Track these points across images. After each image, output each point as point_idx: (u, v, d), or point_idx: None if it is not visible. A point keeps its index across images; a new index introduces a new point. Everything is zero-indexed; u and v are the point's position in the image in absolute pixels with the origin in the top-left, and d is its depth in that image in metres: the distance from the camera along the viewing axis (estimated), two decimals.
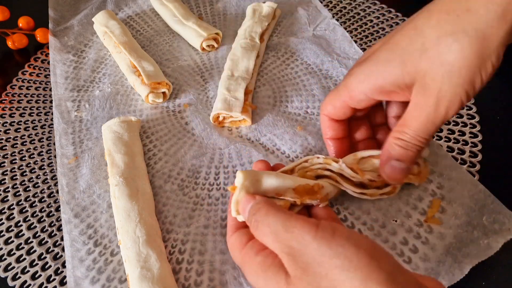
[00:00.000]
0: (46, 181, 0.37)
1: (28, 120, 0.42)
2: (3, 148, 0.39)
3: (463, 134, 0.38)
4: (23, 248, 0.32)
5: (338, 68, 0.44)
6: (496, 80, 0.43)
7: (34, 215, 0.34)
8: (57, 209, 0.35)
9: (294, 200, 0.27)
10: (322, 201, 0.28)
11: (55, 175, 0.37)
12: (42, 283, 0.30)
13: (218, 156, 0.38)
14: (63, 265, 0.31)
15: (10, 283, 0.30)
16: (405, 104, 0.26)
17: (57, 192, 0.36)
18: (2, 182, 0.37)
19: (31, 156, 0.39)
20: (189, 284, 0.30)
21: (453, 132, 0.38)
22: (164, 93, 0.43)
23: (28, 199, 0.35)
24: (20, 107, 0.43)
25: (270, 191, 0.27)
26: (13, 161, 0.38)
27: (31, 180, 0.37)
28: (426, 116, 0.24)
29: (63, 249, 0.32)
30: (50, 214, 0.34)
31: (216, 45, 0.48)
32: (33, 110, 0.43)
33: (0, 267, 0.31)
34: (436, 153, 0.36)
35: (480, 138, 0.37)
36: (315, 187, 0.27)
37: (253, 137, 0.39)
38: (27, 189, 0.36)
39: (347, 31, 0.49)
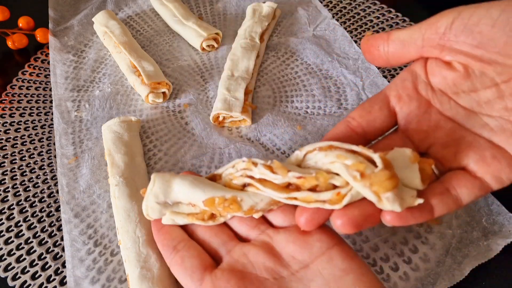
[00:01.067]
0: (46, 181, 0.37)
1: (28, 120, 0.42)
2: (3, 148, 0.39)
3: None
4: (23, 248, 0.32)
5: (338, 68, 0.44)
6: None
7: (34, 215, 0.34)
8: (57, 209, 0.35)
9: (211, 213, 0.24)
10: (247, 214, 0.23)
11: (55, 175, 0.37)
12: (42, 283, 0.30)
13: (218, 156, 0.38)
14: (63, 265, 0.31)
15: (10, 283, 0.30)
16: None
17: (57, 192, 0.36)
18: (2, 182, 0.37)
19: (31, 156, 0.39)
20: None
21: None
22: (164, 93, 0.43)
23: (28, 199, 0.35)
24: (20, 107, 0.43)
25: (182, 199, 0.24)
26: (13, 161, 0.38)
27: (31, 180, 0.37)
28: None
29: (63, 249, 0.32)
30: (50, 214, 0.34)
31: (216, 45, 0.48)
32: (33, 110, 0.43)
33: (0, 267, 0.31)
34: None
35: None
36: (229, 200, 0.22)
37: (253, 137, 0.39)
38: (27, 189, 0.36)
39: (347, 31, 0.49)
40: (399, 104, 0.23)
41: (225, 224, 0.25)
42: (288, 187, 0.22)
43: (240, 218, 0.24)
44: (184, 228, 0.26)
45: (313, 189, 0.21)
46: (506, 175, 0.20)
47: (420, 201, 0.19)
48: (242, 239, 0.24)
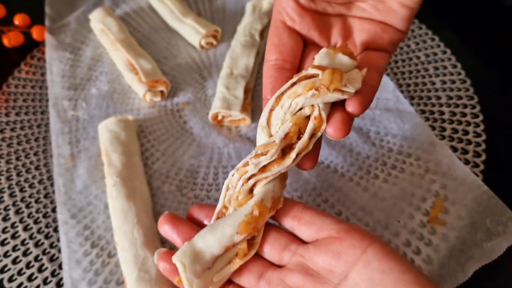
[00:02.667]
0: (42, 182, 0.36)
1: (24, 119, 0.41)
2: None
3: (467, 133, 0.37)
4: (19, 249, 0.32)
5: None
6: (500, 79, 0.42)
7: (30, 216, 0.34)
8: (54, 210, 0.34)
9: (248, 236, 0.22)
10: (272, 210, 0.23)
11: (51, 175, 0.37)
12: (39, 285, 0.30)
13: (217, 156, 0.37)
14: (60, 267, 0.31)
15: (6, 285, 0.30)
16: None
17: (54, 192, 0.35)
18: None
19: (27, 156, 0.38)
20: None
21: (456, 131, 0.37)
22: (162, 91, 0.42)
23: (24, 200, 0.35)
24: (16, 106, 0.43)
25: (217, 250, 0.22)
26: (9, 161, 0.38)
27: (27, 181, 0.36)
28: None
29: (59, 251, 0.31)
30: (47, 215, 0.34)
31: (215, 43, 0.47)
32: (29, 109, 0.42)
33: None
34: (439, 152, 0.35)
35: (483, 137, 0.36)
36: (255, 211, 0.22)
37: (252, 136, 0.38)
38: (23, 189, 0.36)
39: None
40: (295, 23, 0.24)
41: (256, 257, 0.24)
42: (284, 153, 0.22)
43: (270, 243, 0.23)
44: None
45: (298, 136, 0.22)
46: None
47: (365, 69, 0.22)
48: (276, 265, 0.23)
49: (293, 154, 0.21)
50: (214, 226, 0.22)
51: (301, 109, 0.21)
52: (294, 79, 0.22)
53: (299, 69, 0.24)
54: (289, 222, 0.24)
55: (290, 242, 0.23)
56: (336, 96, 0.20)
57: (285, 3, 0.24)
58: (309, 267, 0.22)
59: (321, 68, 0.21)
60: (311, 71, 0.21)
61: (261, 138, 0.23)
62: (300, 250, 0.23)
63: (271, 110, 0.22)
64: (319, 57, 0.22)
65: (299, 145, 0.21)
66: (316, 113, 0.21)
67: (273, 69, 0.24)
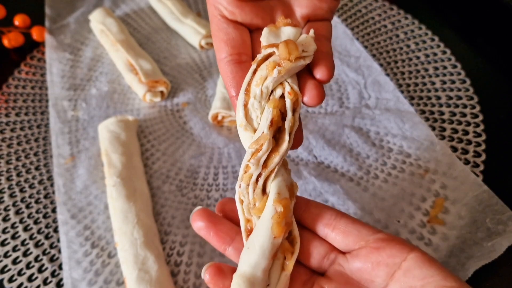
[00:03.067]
0: (42, 182, 0.36)
1: (24, 120, 0.41)
2: None
3: (467, 133, 0.37)
4: (19, 249, 0.32)
5: (340, 66, 0.44)
6: (500, 79, 0.43)
7: (30, 216, 0.34)
8: (54, 210, 0.34)
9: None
10: (293, 198, 0.22)
11: (51, 176, 0.37)
12: (39, 285, 0.30)
13: (217, 156, 0.37)
14: (60, 267, 0.31)
15: (7, 285, 0.30)
16: None
17: (54, 193, 0.35)
18: None
19: (27, 156, 0.38)
20: (188, 286, 0.29)
21: (456, 131, 0.37)
22: (162, 92, 0.42)
23: (24, 200, 0.35)
24: (16, 106, 0.42)
25: (267, 265, 0.21)
26: (9, 162, 0.38)
27: (27, 181, 0.36)
28: None
29: (59, 251, 0.31)
30: (47, 216, 0.34)
31: None
32: (29, 109, 0.42)
33: None
34: (439, 152, 0.35)
35: (483, 137, 0.36)
36: (278, 208, 0.21)
37: None
38: (23, 190, 0.36)
39: (349, 29, 0.48)
40: (236, 15, 0.24)
41: (297, 265, 0.22)
42: (276, 140, 0.22)
43: (309, 252, 0.22)
44: None
45: (282, 118, 0.22)
46: None
47: (312, 30, 0.22)
48: (316, 271, 0.23)
49: (286, 136, 0.21)
50: (249, 244, 0.21)
51: (272, 92, 0.21)
52: (253, 66, 0.21)
53: (253, 57, 0.24)
54: (322, 230, 0.23)
55: (329, 251, 0.22)
56: (300, 64, 0.21)
57: None
58: (349, 277, 0.21)
59: (274, 45, 0.21)
60: (265, 51, 0.21)
61: (247, 136, 0.22)
62: (339, 259, 0.22)
63: (245, 106, 0.22)
64: (265, 37, 0.22)
65: (288, 124, 0.21)
66: (288, 88, 0.21)
67: (230, 65, 0.23)
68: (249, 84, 0.21)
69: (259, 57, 0.21)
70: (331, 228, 0.22)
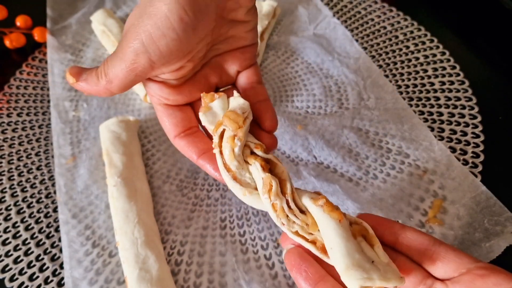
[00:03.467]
0: (43, 182, 0.36)
1: (25, 120, 0.42)
2: (1, 148, 0.39)
3: (465, 134, 0.37)
4: (20, 249, 0.32)
5: (339, 67, 0.44)
6: (499, 80, 0.43)
7: (32, 216, 0.34)
8: (55, 210, 0.34)
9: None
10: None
11: (52, 176, 0.37)
12: (40, 285, 0.30)
13: None
14: (61, 266, 0.31)
15: (8, 285, 0.30)
16: None
17: (55, 192, 0.35)
18: (0, 182, 0.36)
19: (29, 156, 0.38)
20: (188, 285, 0.30)
21: (455, 132, 0.38)
22: None
23: (25, 200, 0.35)
24: (18, 106, 0.43)
25: (356, 246, 0.21)
26: (11, 161, 0.38)
27: (28, 181, 0.36)
28: None
29: (61, 250, 0.32)
30: (48, 215, 0.34)
31: None
32: (30, 110, 0.43)
33: None
34: (438, 153, 0.35)
35: (482, 138, 0.37)
36: (321, 199, 0.21)
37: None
38: (25, 189, 0.36)
39: (348, 30, 0.48)
40: (174, 101, 0.25)
41: None
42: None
43: (406, 275, 0.22)
44: None
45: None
46: None
47: (235, 92, 0.24)
48: None
49: (276, 162, 0.22)
50: (330, 245, 0.20)
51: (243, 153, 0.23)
52: (217, 150, 0.22)
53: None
54: (418, 256, 0.22)
55: (426, 277, 0.22)
56: (248, 124, 0.22)
57: (155, 91, 0.24)
58: None
59: (219, 123, 0.22)
60: (218, 132, 0.22)
61: (255, 196, 0.22)
62: (437, 285, 0.21)
63: (235, 179, 0.22)
64: (206, 122, 0.23)
65: (271, 157, 0.22)
66: (252, 145, 0.22)
67: (183, 139, 0.25)
68: (225, 164, 0.22)
69: (216, 140, 0.22)
70: (429, 254, 0.22)
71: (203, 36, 0.22)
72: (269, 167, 0.22)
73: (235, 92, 0.24)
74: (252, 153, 0.22)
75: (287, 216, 0.21)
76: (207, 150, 0.24)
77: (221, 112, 0.23)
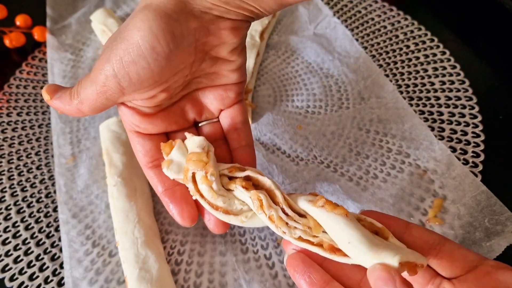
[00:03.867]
0: (43, 181, 0.36)
1: (25, 120, 0.42)
2: (0, 147, 0.39)
3: (466, 133, 0.37)
4: (20, 248, 0.32)
5: (339, 67, 0.44)
6: (499, 80, 0.43)
7: (32, 215, 0.34)
8: (55, 210, 0.34)
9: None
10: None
11: (52, 175, 0.37)
12: (40, 284, 0.30)
13: None
14: (61, 266, 0.31)
15: (8, 284, 0.30)
16: None
17: (55, 192, 0.35)
18: (0, 182, 0.36)
19: (29, 156, 0.38)
20: (188, 285, 0.30)
21: (455, 131, 0.38)
22: None
23: (25, 199, 0.35)
24: (18, 106, 0.43)
25: (369, 232, 0.21)
26: (11, 161, 0.38)
27: (28, 180, 0.36)
28: None
29: (61, 250, 0.32)
30: (48, 215, 0.34)
31: None
32: (30, 109, 0.43)
33: None
34: (438, 152, 0.35)
35: (482, 138, 0.37)
36: (320, 200, 0.21)
37: (253, 136, 0.39)
38: (25, 189, 0.36)
39: (348, 30, 0.48)
40: (148, 129, 0.24)
41: None
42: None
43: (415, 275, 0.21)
44: None
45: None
46: None
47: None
48: None
49: (263, 178, 0.22)
50: (348, 239, 0.19)
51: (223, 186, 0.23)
52: (197, 196, 0.22)
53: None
54: (424, 254, 0.21)
55: (434, 276, 0.21)
56: (212, 155, 0.22)
57: (127, 117, 0.24)
58: None
59: (186, 170, 0.22)
60: (189, 178, 0.22)
61: (255, 220, 0.23)
62: (445, 285, 0.21)
63: (227, 213, 0.22)
64: (174, 174, 0.23)
65: (251, 173, 0.22)
66: (225, 172, 0.23)
67: (152, 169, 0.24)
68: (211, 204, 0.22)
69: (191, 186, 0.22)
70: (435, 253, 0.21)
71: (180, 68, 0.21)
72: (252, 183, 0.22)
73: (186, 134, 0.23)
74: (231, 178, 0.22)
75: (287, 223, 0.21)
76: (173, 186, 0.24)
77: (183, 158, 0.23)
